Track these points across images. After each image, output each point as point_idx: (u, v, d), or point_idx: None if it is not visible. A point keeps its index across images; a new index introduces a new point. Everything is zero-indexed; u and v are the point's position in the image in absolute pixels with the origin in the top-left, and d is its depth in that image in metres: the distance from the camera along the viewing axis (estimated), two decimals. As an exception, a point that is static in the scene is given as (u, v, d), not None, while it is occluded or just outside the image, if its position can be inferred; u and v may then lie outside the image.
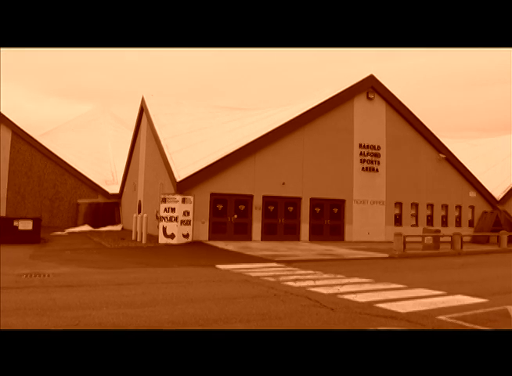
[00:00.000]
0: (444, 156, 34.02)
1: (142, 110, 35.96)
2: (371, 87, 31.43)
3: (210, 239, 25.74)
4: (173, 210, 24.29)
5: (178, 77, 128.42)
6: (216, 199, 26.52)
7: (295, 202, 28.79)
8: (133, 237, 25.97)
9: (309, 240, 28.63)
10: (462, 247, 24.85)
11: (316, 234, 29.21)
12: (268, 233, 27.81)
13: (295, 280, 12.63)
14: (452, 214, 35.07)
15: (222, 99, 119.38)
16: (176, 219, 24.23)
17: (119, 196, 43.06)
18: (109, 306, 8.50)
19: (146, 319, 7.58)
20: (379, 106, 31.84)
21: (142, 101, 35.63)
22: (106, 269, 14.39)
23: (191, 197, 24.87)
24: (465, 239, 27.80)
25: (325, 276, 13.87)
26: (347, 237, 30.13)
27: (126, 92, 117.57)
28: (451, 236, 25.20)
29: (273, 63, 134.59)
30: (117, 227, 39.20)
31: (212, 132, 31.02)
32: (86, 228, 37.89)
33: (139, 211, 32.79)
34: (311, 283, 12.29)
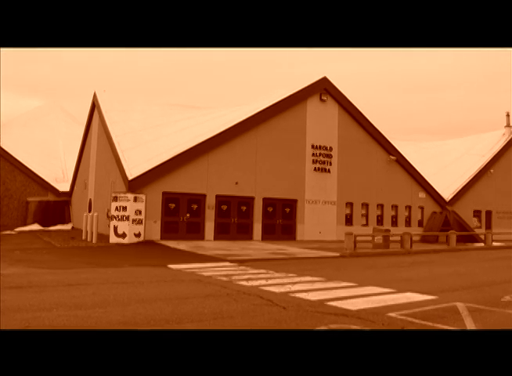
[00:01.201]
0: (394, 158, 34.74)
1: (94, 106, 35.37)
2: (324, 89, 31.81)
3: (162, 238, 25.55)
4: (124, 209, 24.00)
5: (131, 73, 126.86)
6: (168, 198, 26.34)
7: (248, 202, 28.87)
8: (83, 237, 25.51)
9: (262, 239, 28.76)
10: (411, 246, 25.42)
11: (269, 233, 29.37)
12: (221, 233, 27.80)
13: (247, 280, 12.67)
14: (402, 214, 35.84)
15: (176, 96, 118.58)
16: (127, 218, 23.95)
17: (69, 194, 42.25)
18: (59, 308, 8.34)
19: (97, 320, 7.48)
20: (331, 108, 32.26)
21: (94, 97, 35.03)
22: (56, 270, 14.11)
23: (143, 196, 24.62)
24: (414, 238, 28.47)
25: (277, 275, 13.96)
26: (299, 237, 30.41)
27: (78, 87, 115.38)
28: (401, 236, 25.76)
29: (228, 62, 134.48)
30: (68, 226, 38.47)
31: (165, 130, 30.77)
32: (36, 227, 37.08)
33: (90, 210, 32.26)
34: (263, 282, 12.35)
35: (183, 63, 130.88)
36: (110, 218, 24.57)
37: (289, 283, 12.07)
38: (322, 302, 9.49)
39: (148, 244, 23.70)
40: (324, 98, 31.69)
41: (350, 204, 32.97)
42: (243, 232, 28.63)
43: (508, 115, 46.88)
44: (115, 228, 23.98)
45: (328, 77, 31.99)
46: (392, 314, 8.50)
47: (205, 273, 13.80)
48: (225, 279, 12.70)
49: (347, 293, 10.82)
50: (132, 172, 24.90)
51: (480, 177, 42.07)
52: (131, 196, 24.12)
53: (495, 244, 32.58)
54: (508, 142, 45.30)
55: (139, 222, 24.31)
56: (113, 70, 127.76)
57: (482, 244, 32.43)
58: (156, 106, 38.29)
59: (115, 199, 24.33)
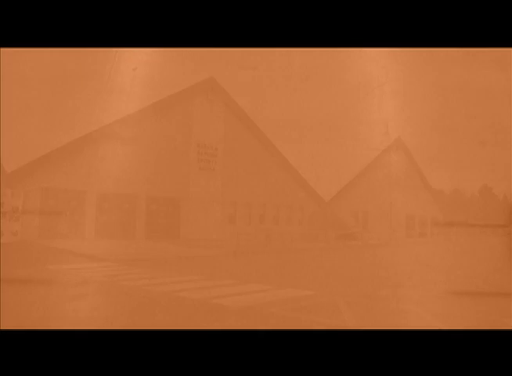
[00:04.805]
0: (277, 158, 35.59)
1: None
2: (211, 89, 31.85)
3: None
4: None
5: None
6: None
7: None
8: None
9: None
10: (293, 244, 25.90)
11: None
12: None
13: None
14: (284, 213, 36.68)
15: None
16: None
17: None
18: None
19: None
20: (218, 108, 32.34)
21: None
22: None
23: None
24: (296, 237, 29.17)
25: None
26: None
27: None
28: (283, 234, 26.34)
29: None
30: None
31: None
32: None
33: None
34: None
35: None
36: None
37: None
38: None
39: None
40: (211, 98, 31.77)
41: (234, 204, 33.27)
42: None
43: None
44: None
45: (215, 78, 32.11)
46: (273, 309, 8.72)
47: None
48: None
49: (231, 291, 10.95)
50: None
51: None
52: None
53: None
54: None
55: None
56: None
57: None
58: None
59: None
